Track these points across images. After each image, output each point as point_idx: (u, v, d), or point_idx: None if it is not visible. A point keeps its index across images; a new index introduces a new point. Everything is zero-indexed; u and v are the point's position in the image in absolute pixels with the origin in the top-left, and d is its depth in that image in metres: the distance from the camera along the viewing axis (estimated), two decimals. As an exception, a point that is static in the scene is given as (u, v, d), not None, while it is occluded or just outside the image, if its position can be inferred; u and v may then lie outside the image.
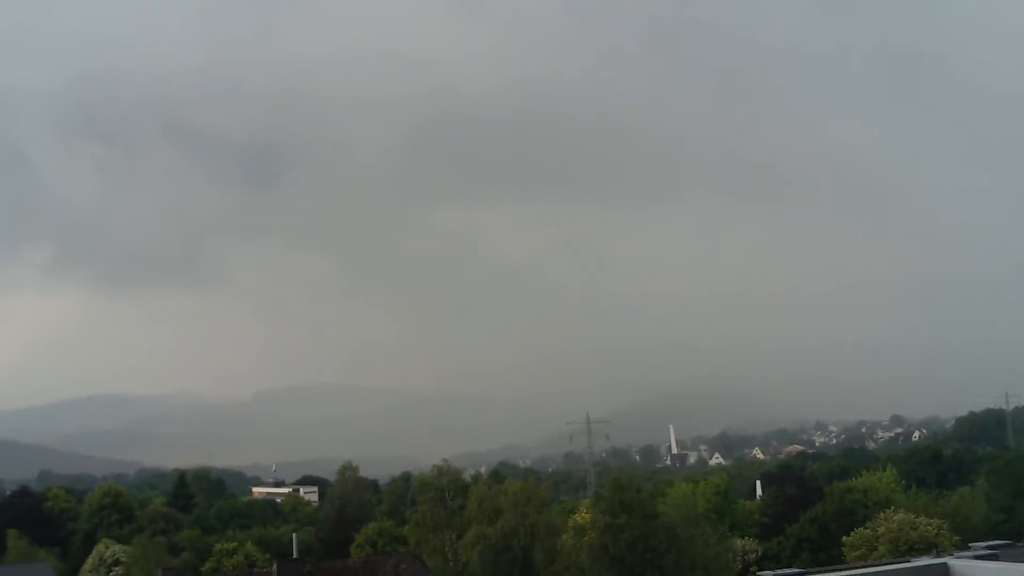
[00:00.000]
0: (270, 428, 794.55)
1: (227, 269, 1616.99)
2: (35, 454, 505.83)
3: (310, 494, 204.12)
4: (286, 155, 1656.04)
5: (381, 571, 63.38)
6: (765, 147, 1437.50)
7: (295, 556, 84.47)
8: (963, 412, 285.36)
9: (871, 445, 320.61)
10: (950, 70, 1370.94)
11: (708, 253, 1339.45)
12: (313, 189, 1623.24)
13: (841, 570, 45.82)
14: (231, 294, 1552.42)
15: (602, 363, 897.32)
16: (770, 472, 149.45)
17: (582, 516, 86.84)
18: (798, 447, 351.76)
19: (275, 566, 62.61)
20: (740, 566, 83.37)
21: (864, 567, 41.40)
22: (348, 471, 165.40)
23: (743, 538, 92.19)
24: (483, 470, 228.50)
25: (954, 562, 26.09)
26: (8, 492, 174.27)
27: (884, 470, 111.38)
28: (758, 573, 64.49)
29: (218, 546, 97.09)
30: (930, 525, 73.58)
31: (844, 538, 77.77)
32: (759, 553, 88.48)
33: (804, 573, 51.52)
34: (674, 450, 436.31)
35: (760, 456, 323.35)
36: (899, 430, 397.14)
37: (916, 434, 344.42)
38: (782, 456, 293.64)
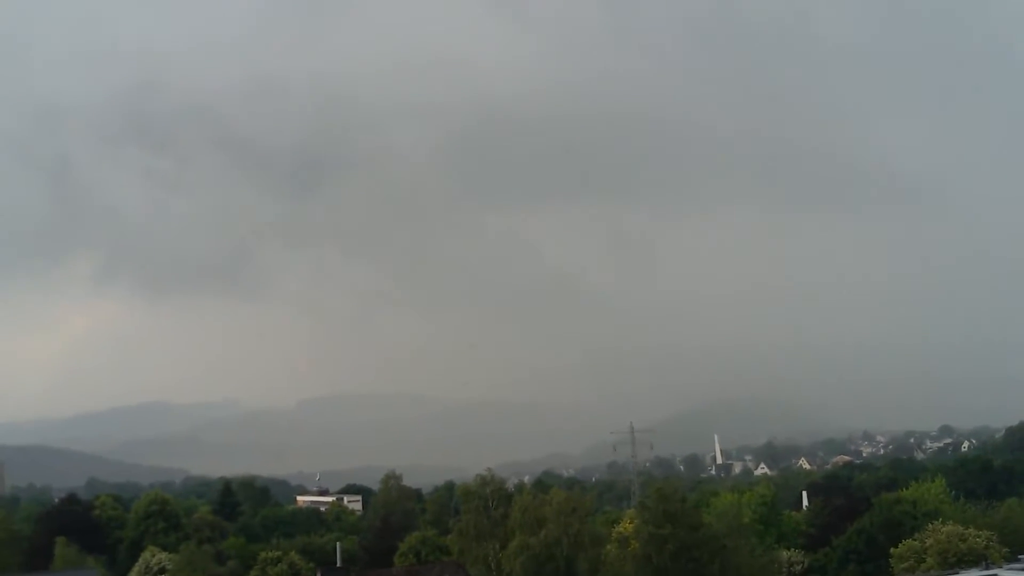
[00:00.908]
0: (314, 436, 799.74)
1: (274, 276, 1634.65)
2: (83, 462, 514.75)
3: (354, 503, 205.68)
4: (332, 162, 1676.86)
5: (424, 580, 63.56)
6: (813, 149, 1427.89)
7: (339, 565, 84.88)
8: (1014, 422, 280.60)
9: (919, 456, 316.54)
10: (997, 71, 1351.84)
11: (755, 257, 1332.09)
12: (360, 196, 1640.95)
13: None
14: (277, 301, 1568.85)
15: (648, 370, 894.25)
16: (817, 483, 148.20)
17: (626, 526, 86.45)
18: (845, 457, 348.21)
19: (319, 574, 63.01)
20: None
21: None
22: (392, 480, 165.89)
23: (789, 549, 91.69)
24: (527, 479, 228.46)
25: (1004, 573, 25.75)
26: (56, 500, 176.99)
27: (933, 481, 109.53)
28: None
29: (263, 554, 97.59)
30: (979, 536, 72.12)
31: (892, 550, 76.77)
32: (805, 564, 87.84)
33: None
34: (719, 460, 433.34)
35: (806, 466, 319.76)
36: (948, 440, 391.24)
37: (965, 444, 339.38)
38: (829, 467, 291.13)
